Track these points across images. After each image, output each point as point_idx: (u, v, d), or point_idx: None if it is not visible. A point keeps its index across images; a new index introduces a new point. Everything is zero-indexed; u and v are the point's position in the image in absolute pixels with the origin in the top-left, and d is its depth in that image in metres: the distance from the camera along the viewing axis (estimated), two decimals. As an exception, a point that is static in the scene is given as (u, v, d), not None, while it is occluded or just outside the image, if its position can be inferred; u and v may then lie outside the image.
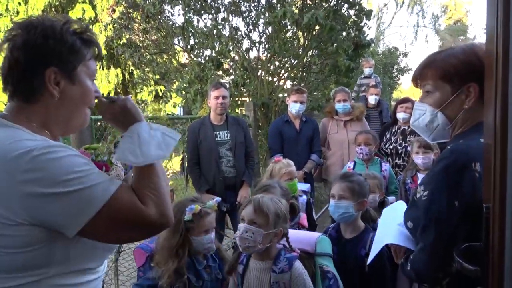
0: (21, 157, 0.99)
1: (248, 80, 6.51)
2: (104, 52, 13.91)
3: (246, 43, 6.83)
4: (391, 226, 1.44)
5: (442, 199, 1.20)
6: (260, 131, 6.43)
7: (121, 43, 7.64)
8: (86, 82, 1.22)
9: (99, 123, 3.47)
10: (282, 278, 1.88)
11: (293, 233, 2.21)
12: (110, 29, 8.44)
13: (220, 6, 6.76)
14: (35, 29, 1.13)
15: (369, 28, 8.10)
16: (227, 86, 4.36)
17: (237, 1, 6.67)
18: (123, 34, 7.28)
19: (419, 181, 3.28)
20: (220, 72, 6.83)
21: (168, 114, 4.15)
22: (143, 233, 1.17)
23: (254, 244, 1.87)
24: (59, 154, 1.03)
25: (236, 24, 6.90)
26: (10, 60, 1.13)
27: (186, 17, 6.55)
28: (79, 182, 1.03)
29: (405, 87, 27.86)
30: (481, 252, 0.97)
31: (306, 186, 3.48)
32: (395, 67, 18.60)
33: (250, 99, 6.56)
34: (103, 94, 1.42)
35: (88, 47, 1.22)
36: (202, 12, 6.71)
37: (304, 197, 3.10)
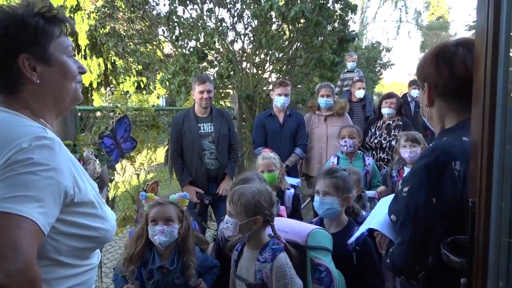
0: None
1: (232, 72, 6.47)
2: (86, 41, 13.71)
3: (231, 35, 6.79)
4: (381, 214, 1.47)
5: (420, 196, 1.23)
6: (244, 124, 6.42)
7: (104, 32, 7.50)
8: (63, 60, 1.20)
9: (83, 114, 3.39)
10: (264, 267, 1.92)
11: (291, 223, 2.25)
12: (93, 17, 8.28)
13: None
14: None
15: (354, 23, 8.15)
16: (212, 78, 4.32)
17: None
18: (107, 23, 7.14)
19: (404, 175, 3.33)
20: (205, 64, 6.77)
21: (153, 105, 4.07)
22: None
23: (233, 233, 1.93)
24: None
25: (221, 15, 6.85)
26: None
27: (172, 7, 6.48)
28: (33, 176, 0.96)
29: (387, 82, 28.14)
30: (466, 244, 1.00)
31: (296, 181, 3.50)
32: (378, 61, 18.79)
33: (235, 92, 6.53)
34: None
35: (54, 24, 1.19)
36: (188, 2, 6.63)
37: (292, 190, 3.11)
